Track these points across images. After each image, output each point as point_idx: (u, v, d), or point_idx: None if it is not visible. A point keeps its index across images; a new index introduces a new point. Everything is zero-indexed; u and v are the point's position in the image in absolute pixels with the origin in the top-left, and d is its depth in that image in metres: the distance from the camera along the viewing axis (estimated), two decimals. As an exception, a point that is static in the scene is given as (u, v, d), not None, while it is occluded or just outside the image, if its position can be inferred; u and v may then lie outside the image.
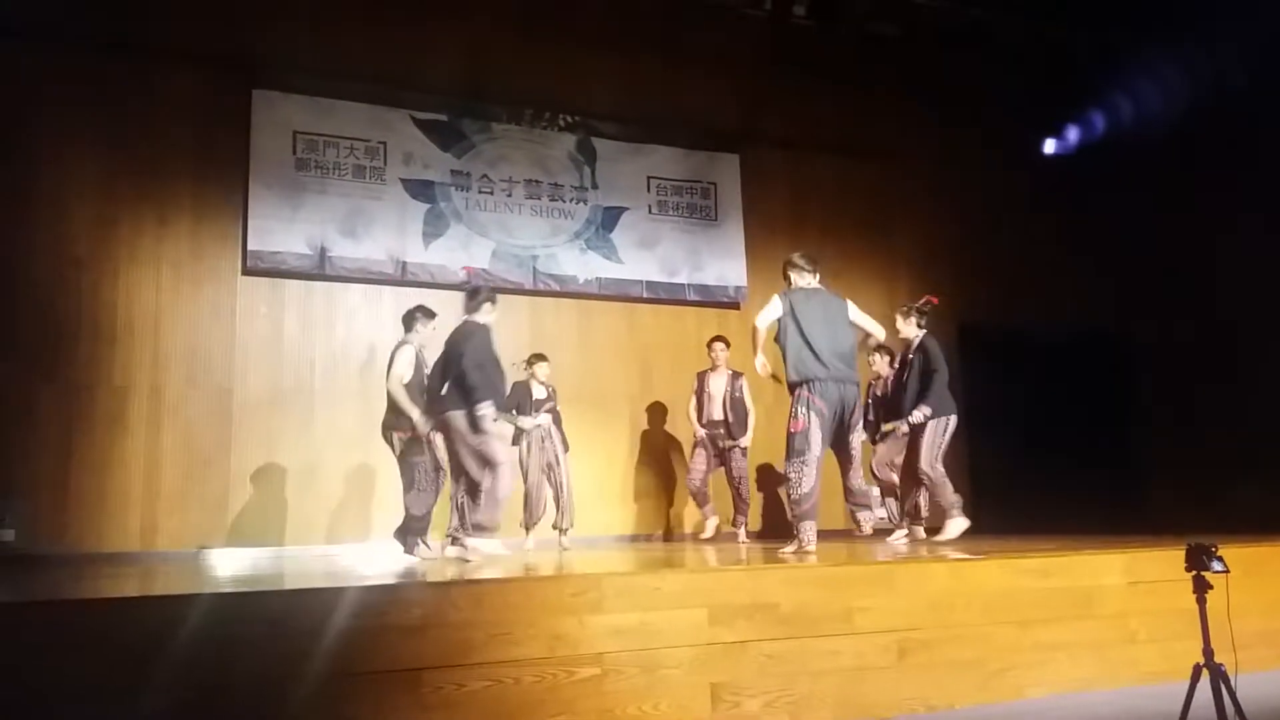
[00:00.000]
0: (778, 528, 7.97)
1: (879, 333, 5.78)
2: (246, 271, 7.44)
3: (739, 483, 7.55)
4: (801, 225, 9.09)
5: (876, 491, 6.47)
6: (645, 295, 8.67)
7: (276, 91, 7.67)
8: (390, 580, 3.99)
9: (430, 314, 6.06)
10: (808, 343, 5.23)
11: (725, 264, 8.99)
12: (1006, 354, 9.23)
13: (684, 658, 3.52)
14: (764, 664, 3.64)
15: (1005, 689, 4.02)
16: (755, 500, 8.24)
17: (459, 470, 5.35)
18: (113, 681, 2.86)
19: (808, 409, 5.18)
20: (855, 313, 5.52)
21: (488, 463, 5.23)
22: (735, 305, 8.92)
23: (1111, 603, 4.38)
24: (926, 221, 9.69)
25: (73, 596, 3.56)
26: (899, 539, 6.35)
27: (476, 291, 5.57)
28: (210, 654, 2.97)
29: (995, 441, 8.82)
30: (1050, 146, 10.40)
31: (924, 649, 3.92)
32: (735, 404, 7.50)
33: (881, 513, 6.62)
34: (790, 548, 5.19)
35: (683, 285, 8.78)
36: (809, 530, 5.16)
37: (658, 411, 8.48)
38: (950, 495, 6.00)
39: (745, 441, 7.48)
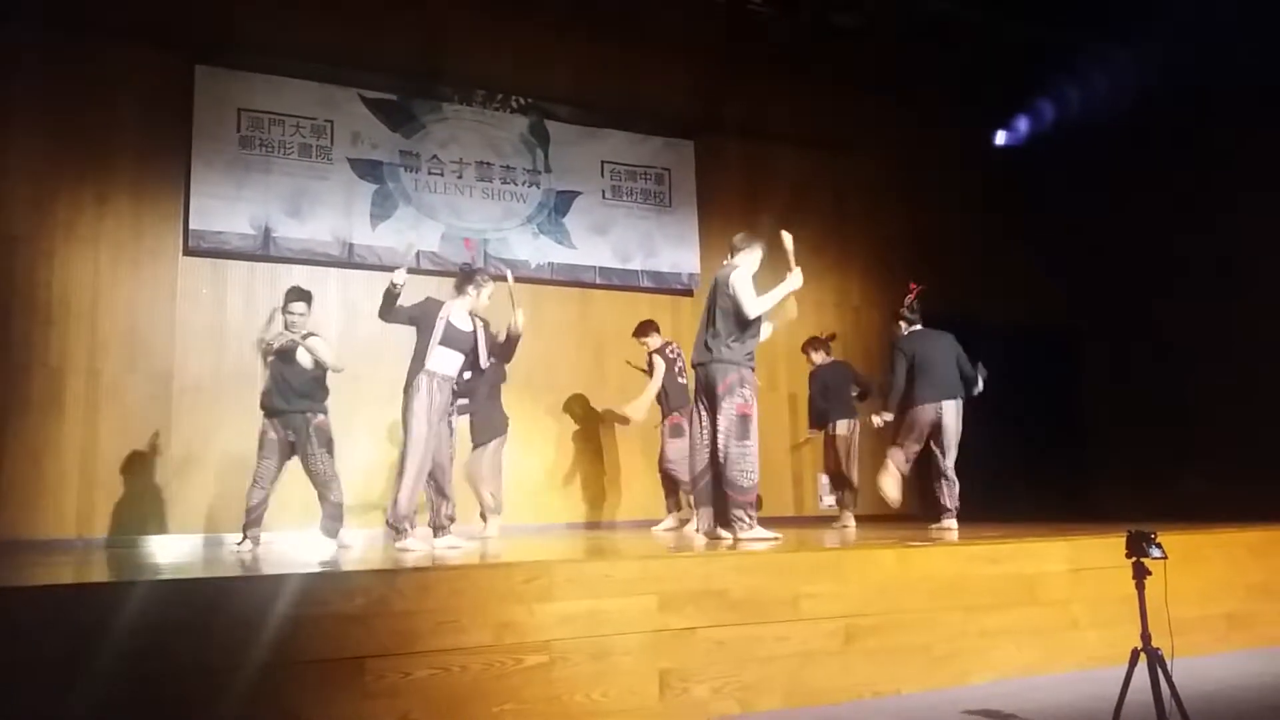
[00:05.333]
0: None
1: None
2: (188, 252, 7.26)
3: (671, 466, 7.14)
4: (755, 213, 9.08)
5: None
6: (598, 281, 8.62)
7: (220, 68, 7.48)
8: (333, 568, 3.93)
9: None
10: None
11: (679, 251, 8.97)
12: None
13: (633, 644, 3.51)
14: (713, 650, 3.64)
15: (950, 674, 4.07)
16: None
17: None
18: (48, 671, 2.78)
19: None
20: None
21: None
22: (688, 292, 8.90)
23: (1055, 589, 4.46)
24: (880, 213, 9.76)
25: (6, 584, 3.44)
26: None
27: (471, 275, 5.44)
28: (149, 643, 2.91)
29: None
30: (1002, 138, 10.53)
31: (871, 635, 3.96)
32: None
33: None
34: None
35: (636, 271, 8.75)
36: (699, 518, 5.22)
37: (610, 398, 8.43)
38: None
39: (635, 413, 7.15)
